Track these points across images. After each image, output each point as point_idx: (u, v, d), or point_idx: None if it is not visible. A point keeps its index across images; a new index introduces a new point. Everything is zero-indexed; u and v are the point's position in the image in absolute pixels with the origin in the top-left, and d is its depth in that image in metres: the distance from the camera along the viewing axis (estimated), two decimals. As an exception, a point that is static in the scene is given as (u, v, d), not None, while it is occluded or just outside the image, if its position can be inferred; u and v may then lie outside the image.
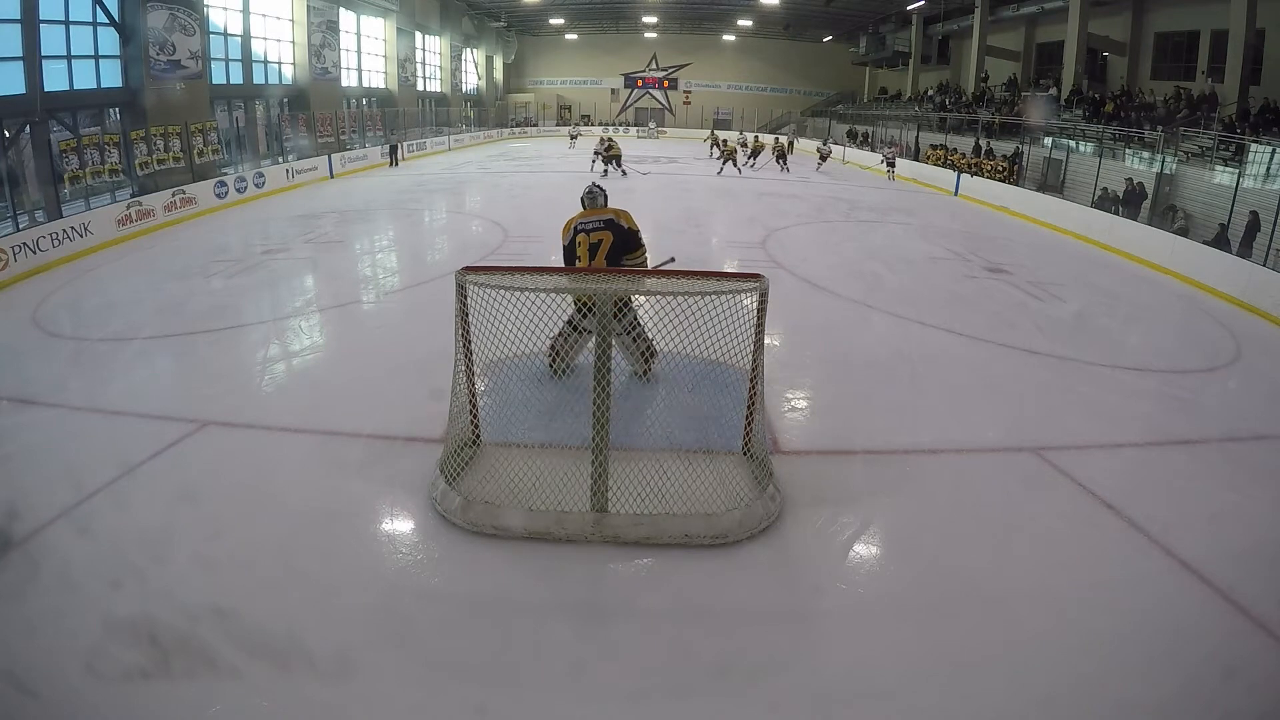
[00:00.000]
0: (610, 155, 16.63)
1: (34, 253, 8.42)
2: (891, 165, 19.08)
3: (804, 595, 3.01)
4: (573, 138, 27.23)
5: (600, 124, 34.58)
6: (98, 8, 11.80)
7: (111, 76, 12.34)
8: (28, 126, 10.66)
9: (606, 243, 4.38)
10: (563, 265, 4.55)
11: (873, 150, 22.55)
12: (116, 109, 12.73)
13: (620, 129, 33.02)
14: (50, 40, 10.82)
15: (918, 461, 4.10)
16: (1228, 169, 10.99)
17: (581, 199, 4.79)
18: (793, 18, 29.80)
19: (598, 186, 4.83)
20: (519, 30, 34.37)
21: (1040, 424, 4.61)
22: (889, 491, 3.75)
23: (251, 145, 16.31)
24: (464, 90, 30.58)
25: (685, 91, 36.40)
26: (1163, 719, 2.45)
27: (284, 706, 2.37)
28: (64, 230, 9.03)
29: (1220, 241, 9.39)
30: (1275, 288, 7.63)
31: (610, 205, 4.72)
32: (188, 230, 11.03)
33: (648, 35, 34.59)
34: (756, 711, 2.42)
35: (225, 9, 15.37)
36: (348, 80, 20.99)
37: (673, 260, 4.59)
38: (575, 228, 4.47)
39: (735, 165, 19.08)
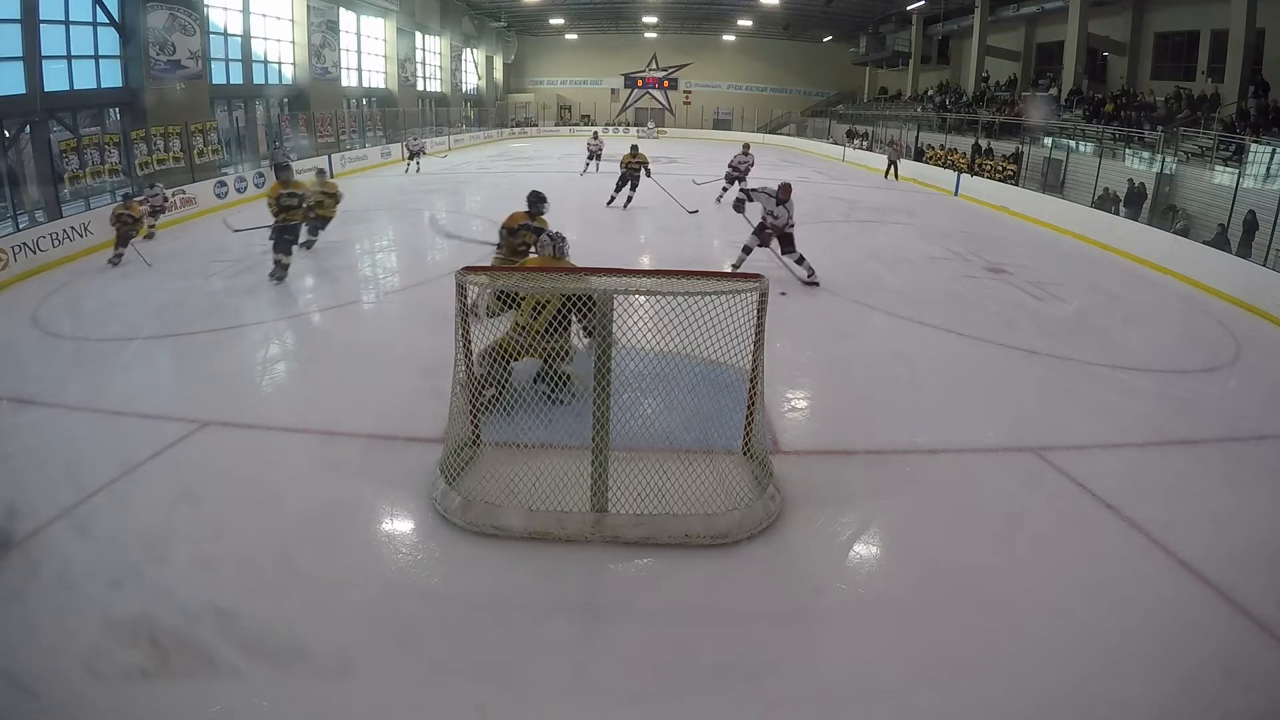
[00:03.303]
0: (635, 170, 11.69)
1: (34, 253, 8.42)
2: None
3: (804, 595, 3.01)
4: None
5: (594, 124, 34.54)
6: (98, 8, 11.79)
7: (111, 76, 12.33)
8: (28, 126, 10.66)
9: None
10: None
11: (871, 151, 22.49)
12: (116, 109, 12.72)
13: (620, 129, 33.00)
14: (50, 40, 10.81)
15: (918, 461, 4.10)
16: (1228, 169, 10.99)
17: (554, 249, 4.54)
18: (793, 18, 29.79)
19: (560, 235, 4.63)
20: (519, 30, 34.35)
21: (1040, 424, 4.61)
22: (889, 491, 3.75)
23: (251, 145, 16.31)
24: (464, 90, 30.58)
25: (685, 91, 36.39)
26: (1163, 719, 2.45)
27: (284, 706, 2.38)
28: (64, 230, 9.02)
29: (1220, 241, 9.39)
30: (1275, 288, 7.63)
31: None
32: (188, 230, 11.02)
33: (648, 35, 34.57)
34: (756, 711, 2.42)
35: (225, 9, 15.36)
36: (348, 80, 20.98)
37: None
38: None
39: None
